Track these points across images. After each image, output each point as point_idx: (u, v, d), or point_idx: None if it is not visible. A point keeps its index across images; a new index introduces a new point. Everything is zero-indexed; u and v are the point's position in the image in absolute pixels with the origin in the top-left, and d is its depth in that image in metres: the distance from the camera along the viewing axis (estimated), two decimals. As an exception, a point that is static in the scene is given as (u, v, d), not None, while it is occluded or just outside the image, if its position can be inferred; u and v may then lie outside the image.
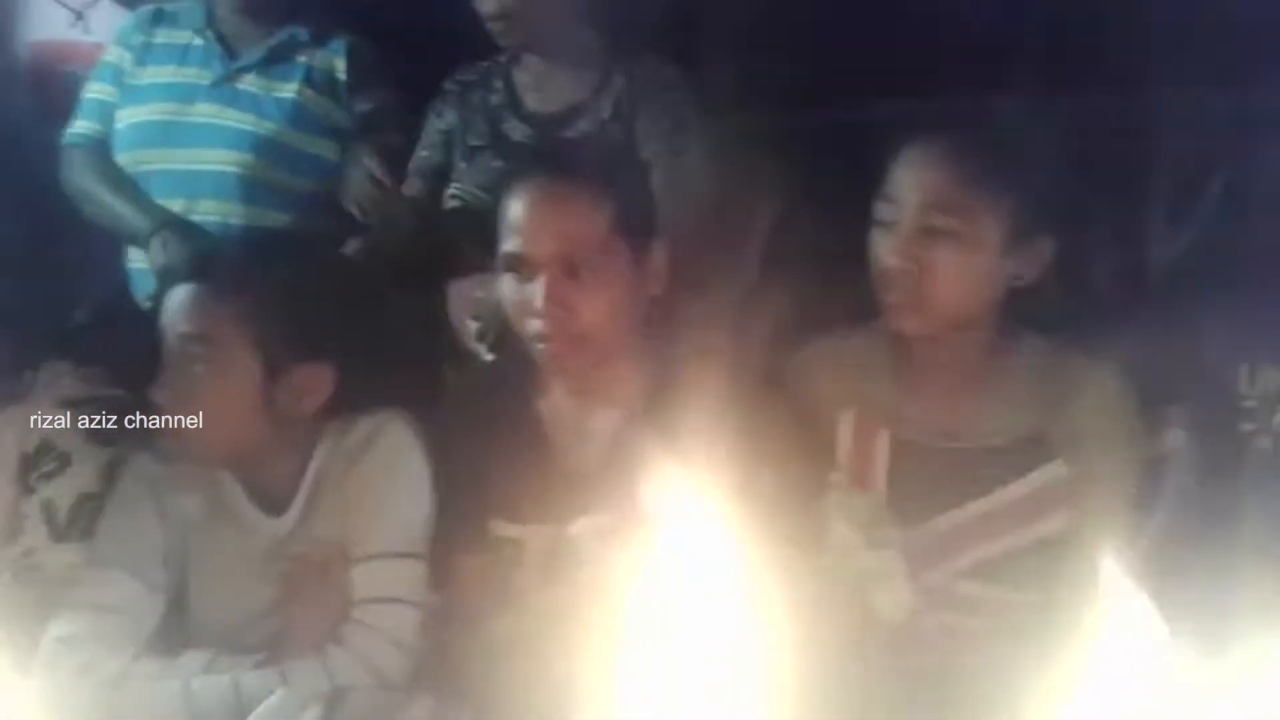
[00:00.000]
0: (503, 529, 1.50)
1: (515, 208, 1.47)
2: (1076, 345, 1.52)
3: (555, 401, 1.55)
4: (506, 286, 1.48)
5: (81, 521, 1.51)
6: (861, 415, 1.50)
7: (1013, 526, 1.44)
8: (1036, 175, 1.45)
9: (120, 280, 1.98)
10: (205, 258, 1.54)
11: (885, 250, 1.44)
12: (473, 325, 1.81)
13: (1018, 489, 1.44)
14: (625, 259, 1.46)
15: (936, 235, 1.41)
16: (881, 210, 1.45)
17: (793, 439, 1.43)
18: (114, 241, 1.97)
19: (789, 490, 1.32)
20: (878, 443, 1.48)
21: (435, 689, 1.34)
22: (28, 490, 1.52)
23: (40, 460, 1.53)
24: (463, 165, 1.90)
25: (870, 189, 1.48)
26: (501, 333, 1.65)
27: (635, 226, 1.48)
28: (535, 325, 1.45)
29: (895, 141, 1.48)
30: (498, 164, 1.83)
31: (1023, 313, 1.50)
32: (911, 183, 1.44)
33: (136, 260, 1.96)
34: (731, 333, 1.44)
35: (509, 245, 1.46)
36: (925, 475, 1.45)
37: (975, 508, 1.45)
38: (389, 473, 1.51)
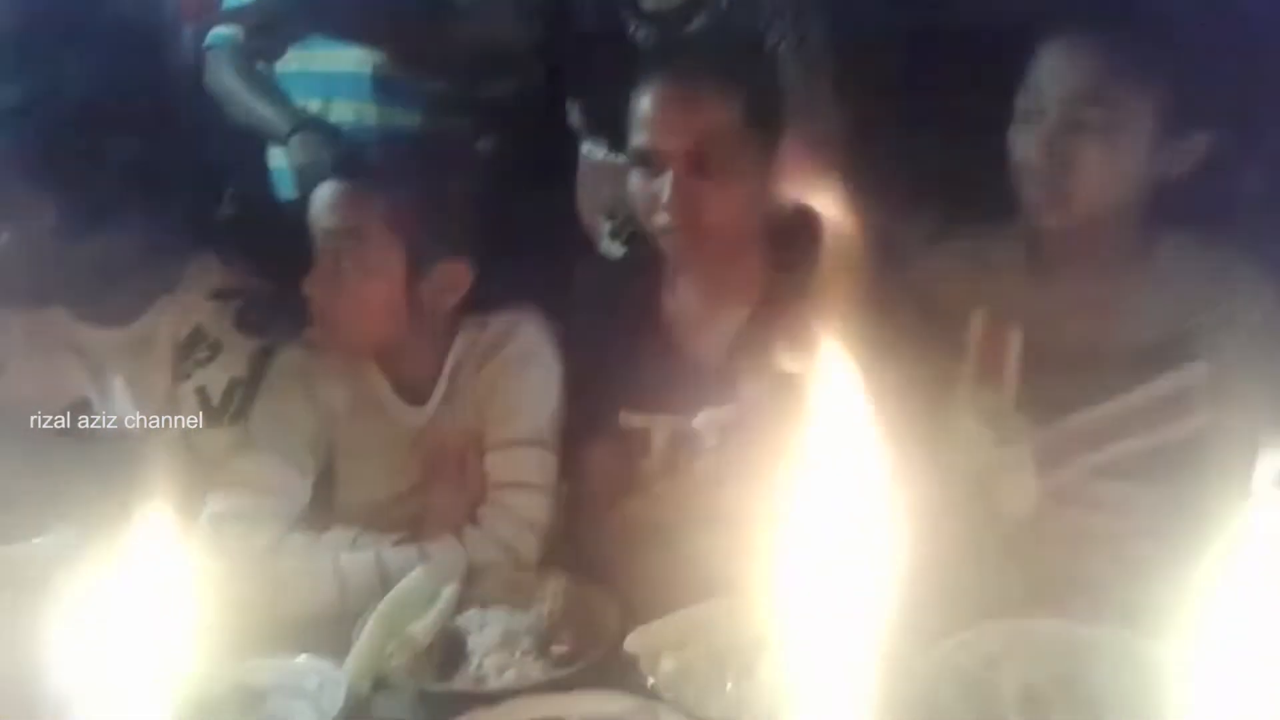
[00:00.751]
0: (629, 419, 1.54)
1: (643, 103, 1.47)
2: (1224, 244, 1.46)
3: (681, 295, 1.57)
4: (634, 181, 1.49)
5: (233, 407, 1.59)
6: (994, 313, 1.47)
7: (1148, 426, 1.40)
8: (1190, 67, 1.38)
9: (263, 177, 2.05)
10: (350, 156, 1.59)
11: (1027, 144, 1.40)
12: (606, 224, 1.83)
13: (1155, 389, 1.41)
14: (753, 152, 1.46)
15: (1083, 129, 1.37)
16: (1025, 103, 1.41)
17: (923, 335, 1.42)
18: (256, 139, 2.03)
19: (917, 385, 1.31)
20: (1010, 341, 1.46)
21: (566, 570, 1.39)
22: (182, 376, 1.60)
23: (193, 348, 1.61)
24: (573, 54, 1.88)
25: (1009, 82, 1.44)
26: (635, 229, 1.66)
27: (763, 119, 1.47)
28: (662, 219, 1.46)
29: (1042, 30, 1.42)
30: (620, 62, 1.82)
31: (1169, 209, 1.45)
32: (1058, 74, 1.39)
33: (277, 158, 2.02)
34: (862, 226, 1.43)
35: (637, 140, 1.47)
36: (1059, 373, 1.43)
37: (1110, 407, 1.42)
38: (522, 366, 1.56)
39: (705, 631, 1.21)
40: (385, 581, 1.36)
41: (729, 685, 1.16)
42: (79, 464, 1.56)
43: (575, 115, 1.93)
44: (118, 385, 1.62)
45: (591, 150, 1.90)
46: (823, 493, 0.66)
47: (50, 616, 1.22)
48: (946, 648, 1.17)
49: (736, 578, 1.23)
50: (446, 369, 1.57)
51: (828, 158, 1.56)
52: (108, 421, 1.62)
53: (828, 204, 1.56)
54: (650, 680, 1.14)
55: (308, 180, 1.66)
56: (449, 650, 1.24)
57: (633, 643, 1.19)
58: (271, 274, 1.65)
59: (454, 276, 1.52)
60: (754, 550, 1.14)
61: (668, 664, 1.17)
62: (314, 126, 1.93)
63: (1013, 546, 1.36)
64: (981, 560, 1.33)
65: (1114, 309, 1.45)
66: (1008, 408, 1.38)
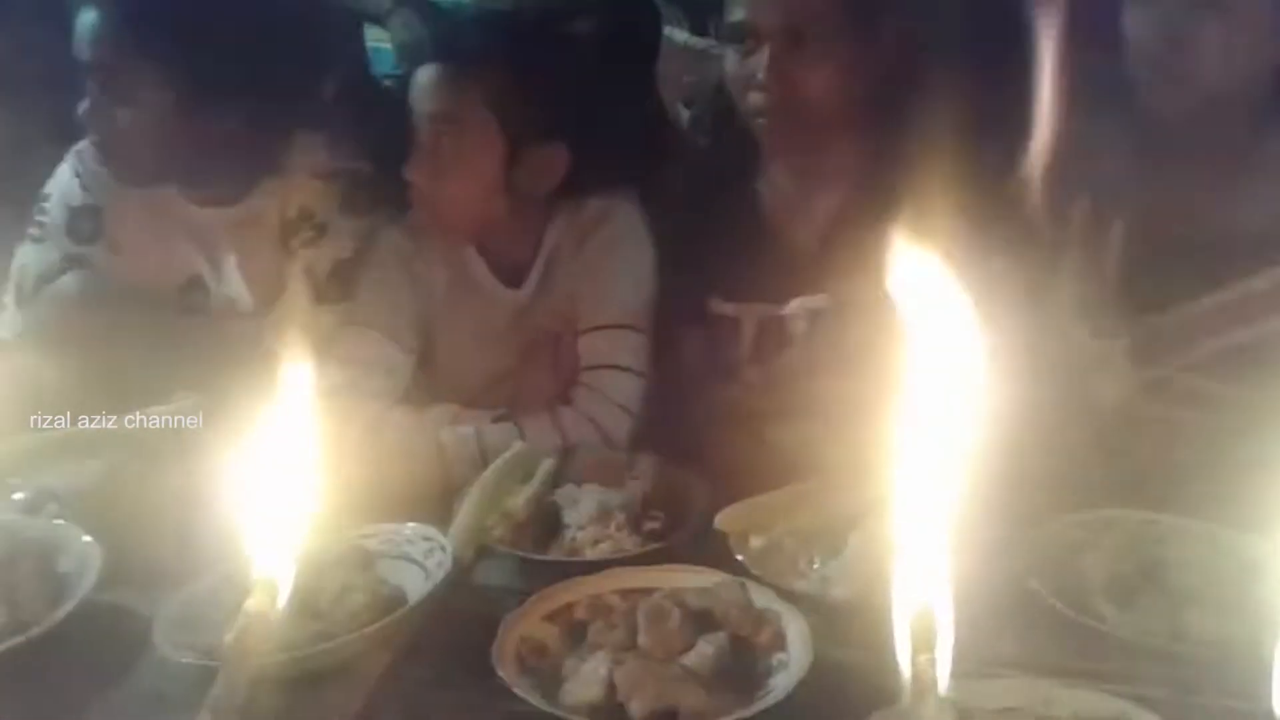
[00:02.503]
0: (720, 306, 1.55)
1: None
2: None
3: (774, 180, 1.56)
4: (729, 60, 1.48)
5: (339, 285, 1.63)
6: (1097, 201, 1.44)
7: (1248, 321, 1.37)
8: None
9: (362, 56, 2.06)
10: (449, 38, 1.59)
11: (1143, 21, 1.35)
12: (685, 111, 1.81)
13: (1261, 282, 1.37)
14: (854, 30, 1.43)
15: (1202, 6, 1.31)
16: None
17: (1023, 223, 1.40)
18: (356, 18, 2.04)
19: (1015, 274, 1.30)
20: (1112, 231, 1.43)
21: (656, 451, 1.42)
22: (289, 255, 1.65)
23: (299, 227, 1.65)
24: None
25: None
26: (717, 116, 1.65)
27: None
28: (757, 99, 1.44)
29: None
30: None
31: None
32: None
33: (375, 38, 2.04)
34: (964, 110, 1.40)
35: (734, 15, 1.45)
36: (1162, 264, 1.40)
37: (1213, 300, 1.39)
38: (616, 251, 1.58)
39: (792, 512, 1.24)
40: (484, 456, 1.41)
41: (815, 564, 1.19)
42: (194, 338, 1.63)
43: None
44: (229, 263, 1.68)
45: (674, 33, 1.87)
46: (916, 381, 0.67)
47: (171, 482, 1.31)
48: (1036, 534, 1.18)
49: (824, 463, 1.25)
50: (542, 252, 1.59)
51: (927, 35, 1.52)
52: (220, 298, 1.69)
53: (927, 84, 1.53)
54: (739, 557, 1.18)
55: (409, 60, 1.67)
56: (546, 523, 1.29)
57: (722, 521, 1.23)
58: (374, 155, 1.68)
59: (551, 160, 1.53)
60: (842, 437, 1.16)
61: (756, 542, 1.21)
62: (413, 5, 1.94)
63: (1105, 438, 1.36)
64: (1073, 450, 1.33)
65: (1221, 198, 1.40)
66: (1106, 300, 1.37)
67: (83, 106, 1.56)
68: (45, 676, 1.07)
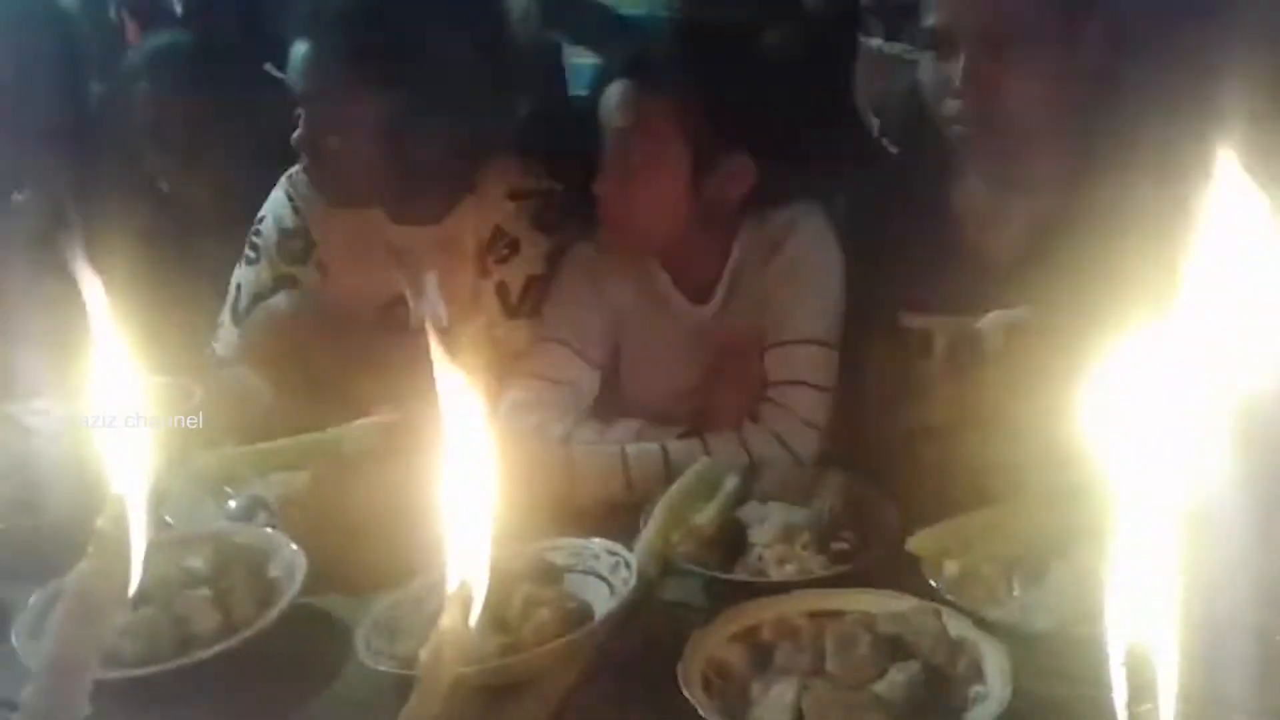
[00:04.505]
0: (911, 320, 1.50)
1: None
2: None
3: (970, 189, 1.51)
4: (924, 66, 1.43)
5: (530, 301, 1.67)
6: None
7: None
8: None
9: (555, 76, 2.10)
10: (638, 53, 1.60)
11: None
12: (875, 120, 1.77)
13: None
14: (1056, 33, 1.36)
15: None
16: None
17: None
18: (555, 38, 2.08)
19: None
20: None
21: (843, 469, 1.39)
22: (484, 272, 1.70)
23: (494, 245, 1.70)
24: None
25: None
26: (907, 123, 1.60)
27: None
28: (953, 106, 1.40)
29: None
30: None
31: None
32: None
33: (571, 56, 2.07)
34: (1170, 111, 1.31)
35: (928, 19, 1.40)
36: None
37: None
38: (804, 263, 1.56)
39: (990, 537, 1.19)
40: (670, 472, 1.40)
41: (1015, 591, 1.14)
42: (394, 354, 1.69)
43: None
44: (429, 282, 1.73)
45: (867, 40, 1.83)
46: (1125, 397, 0.62)
47: (374, 492, 1.36)
48: (1268, 563, 1.09)
49: (1023, 485, 1.19)
50: (729, 267, 1.58)
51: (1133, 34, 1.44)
52: (419, 315, 1.75)
53: (1133, 85, 1.45)
54: (933, 582, 1.14)
55: (603, 78, 1.69)
56: (731, 540, 1.27)
57: (915, 544, 1.19)
58: (565, 174, 1.71)
59: (739, 172, 1.52)
60: (1042, 458, 1.10)
61: (951, 567, 1.16)
62: (600, 22, 1.96)
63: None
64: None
65: None
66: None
67: (296, 134, 1.64)
68: (254, 680, 1.13)
